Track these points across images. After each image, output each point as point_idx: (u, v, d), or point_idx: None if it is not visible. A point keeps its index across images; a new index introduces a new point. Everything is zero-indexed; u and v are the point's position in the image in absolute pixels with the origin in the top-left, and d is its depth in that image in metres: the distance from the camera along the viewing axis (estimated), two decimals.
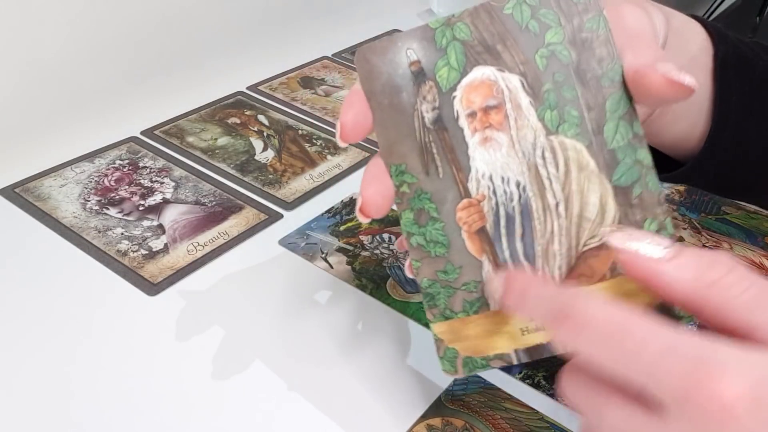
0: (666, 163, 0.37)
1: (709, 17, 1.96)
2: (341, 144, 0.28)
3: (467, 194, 0.26)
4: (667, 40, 0.33)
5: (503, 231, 0.26)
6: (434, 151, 0.27)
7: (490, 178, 0.26)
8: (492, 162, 0.26)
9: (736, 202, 0.51)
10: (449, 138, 0.27)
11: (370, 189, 0.28)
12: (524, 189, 0.26)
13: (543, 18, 0.26)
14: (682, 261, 0.23)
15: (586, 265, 0.26)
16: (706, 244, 0.47)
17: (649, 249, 0.23)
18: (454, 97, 0.27)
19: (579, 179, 0.26)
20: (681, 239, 0.47)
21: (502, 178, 0.26)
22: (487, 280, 0.26)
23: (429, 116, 0.27)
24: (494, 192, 0.26)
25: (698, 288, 0.22)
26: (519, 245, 0.26)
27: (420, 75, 0.27)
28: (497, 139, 0.26)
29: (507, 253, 0.26)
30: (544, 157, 0.26)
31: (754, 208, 0.51)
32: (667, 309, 0.24)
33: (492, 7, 0.26)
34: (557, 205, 0.26)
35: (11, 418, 0.33)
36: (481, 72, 0.27)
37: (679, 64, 0.28)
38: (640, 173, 0.26)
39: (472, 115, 0.27)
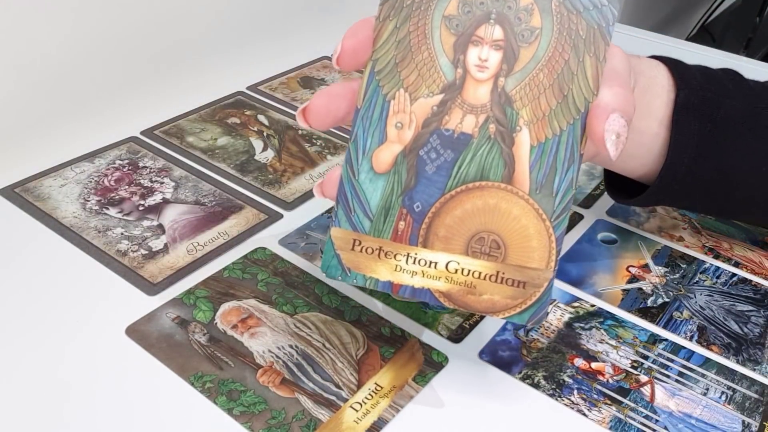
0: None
1: (709, 17, 1.96)
2: (336, 67, 0.32)
3: (259, 366, 0.36)
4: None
5: (299, 374, 0.36)
6: (219, 355, 0.36)
7: (269, 351, 0.37)
8: (264, 343, 0.37)
9: None
10: (228, 344, 0.37)
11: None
12: (296, 346, 0.37)
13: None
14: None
15: (366, 364, 0.36)
16: (706, 244, 0.47)
17: None
18: (216, 323, 0.38)
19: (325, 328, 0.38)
20: (681, 239, 0.47)
21: (279, 348, 0.37)
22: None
23: (204, 338, 0.37)
24: (278, 357, 0.36)
25: None
26: (315, 376, 0.35)
27: None
28: (260, 331, 0.38)
29: (310, 384, 0.35)
30: (297, 327, 0.38)
31: None
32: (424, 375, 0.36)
33: None
34: (324, 344, 0.37)
35: (9, 417, 0.33)
36: (228, 305, 0.39)
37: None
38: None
39: (234, 327, 0.38)
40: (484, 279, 0.31)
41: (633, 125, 0.39)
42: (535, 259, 0.30)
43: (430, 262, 0.31)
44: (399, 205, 0.31)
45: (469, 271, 0.31)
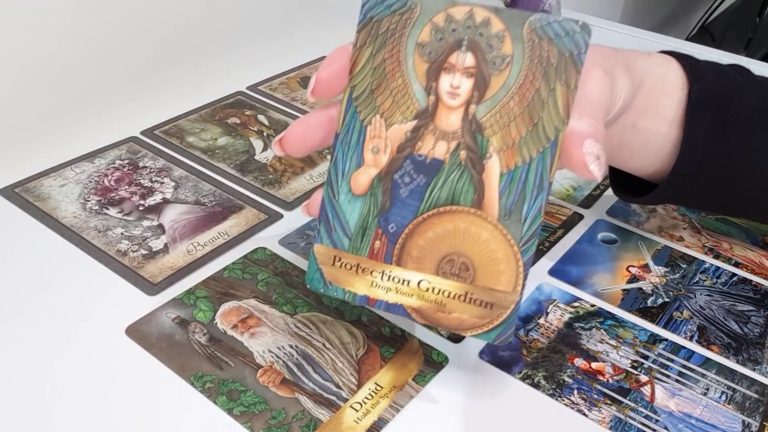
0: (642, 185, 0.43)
1: (709, 17, 1.96)
2: (311, 99, 0.33)
3: (259, 366, 0.36)
4: (636, 101, 0.37)
5: (299, 374, 0.36)
6: (219, 355, 0.36)
7: (269, 351, 0.37)
8: (264, 343, 0.37)
9: None
10: (228, 344, 0.37)
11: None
12: (296, 346, 0.37)
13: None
14: None
15: (366, 365, 0.37)
16: (706, 244, 0.47)
17: None
18: (216, 323, 0.38)
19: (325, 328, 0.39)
20: (681, 239, 0.47)
21: (279, 348, 0.37)
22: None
23: (204, 338, 0.37)
24: (278, 357, 0.36)
25: None
26: (315, 376, 0.36)
27: None
28: (261, 331, 0.38)
29: (310, 384, 0.35)
30: (297, 327, 0.38)
31: None
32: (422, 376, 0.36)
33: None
34: (324, 344, 0.37)
35: (9, 417, 0.33)
36: (228, 305, 0.40)
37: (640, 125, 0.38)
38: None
39: (234, 327, 0.38)
40: (454, 298, 0.32)
41: (641, 125, 0.39)
42: (502, 282, 0.31)
43: (404, 280, 0.32)
44: (375, 226, 0.32)
45: (439, 290, 0.32)
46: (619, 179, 0.45)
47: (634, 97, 0.37)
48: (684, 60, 0.40)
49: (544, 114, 0.31)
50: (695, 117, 0.39)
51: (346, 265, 0.33)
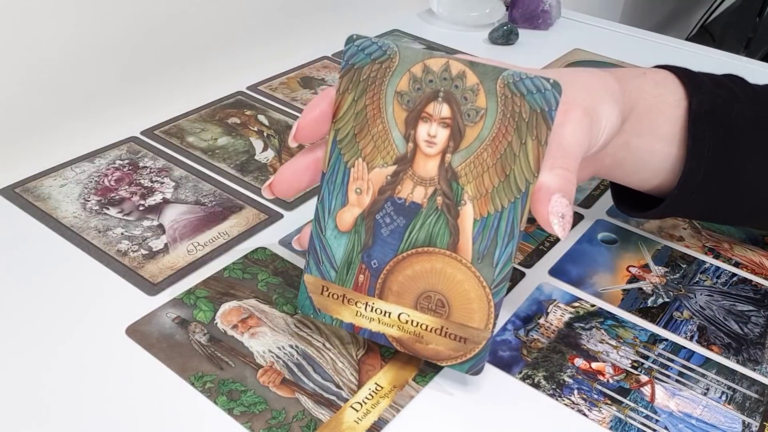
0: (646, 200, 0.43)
1: (709, 17, 1.96)
2: (292, 144, 0.35)
3: (259, 366, 0.36)
4: (627, 124, 0.38)
5: (300, 374, 0.36)
6: (220, 355, 0.37)
7: (269, 351, 0.37)
8: (264, 343, 0.37)
9: None
10: (229, 344, 0.37)
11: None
12: (297, 346, 0.37)
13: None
14: None
15: (366, 365, 0.37)
16: (707, 244, 0.47)
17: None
18: (216, 323, 0.38)
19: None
20: (681, 239, 0.47)
21: (279, 348, 0.37)
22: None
23: (204, 338, 0.37)
24: (278, 357, 0.37)
25: None
26: (315, 376, 0.36)
27: None
28: (261, 331, 0.38)
29: (311, 384, 0.35)
30: (297, 327, 0.39)
31: None
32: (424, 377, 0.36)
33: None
34: (324, 344, 0.37)
35: (9, 417, 0.33)
36: (228, 305, 0.40)
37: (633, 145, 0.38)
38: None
39: (234, 327, 0.38)
40: (431, 331, 0.34)
41: (634, 144, 0.39)
42: (475, 319, 0.33)
43: (385, 312, 0.34)
44: (359, 261, 0.34)
45: (417, 323, 0.34)
46: (619, 192, 0.45)
47: (625, 121, 0.37)
48: (681, 73, 0.40)
49: (515, 166, 0.32)
50: (698, 128, 0.39)
51: (333, 295, 0.35)
